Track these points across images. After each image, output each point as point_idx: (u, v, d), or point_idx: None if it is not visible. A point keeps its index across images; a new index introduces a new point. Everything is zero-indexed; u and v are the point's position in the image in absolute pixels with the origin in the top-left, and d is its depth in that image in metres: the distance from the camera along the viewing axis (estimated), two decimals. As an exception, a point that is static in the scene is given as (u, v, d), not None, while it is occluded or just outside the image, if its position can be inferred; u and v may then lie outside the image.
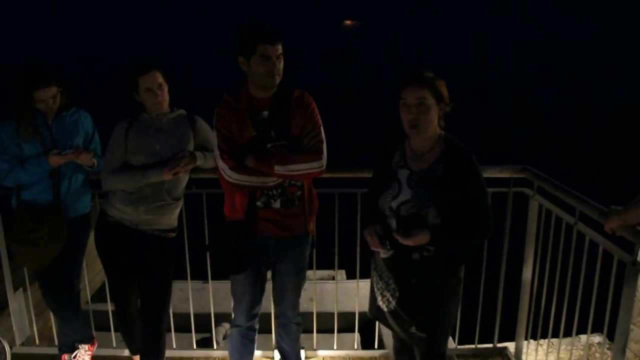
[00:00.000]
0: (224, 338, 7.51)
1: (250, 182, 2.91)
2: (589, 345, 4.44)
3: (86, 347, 3.74)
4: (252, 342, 3.35)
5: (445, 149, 2.63)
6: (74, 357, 3.70)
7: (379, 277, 2.81)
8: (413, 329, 2.72)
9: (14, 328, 4.16)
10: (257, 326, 3.32)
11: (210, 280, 3.80)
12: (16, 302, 4.13)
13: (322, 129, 3.01)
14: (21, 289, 4.29)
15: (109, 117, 3.63)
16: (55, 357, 3.79)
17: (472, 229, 2.59)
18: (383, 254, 2.71)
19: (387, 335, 4.91)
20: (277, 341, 3.54)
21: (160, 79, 3.17)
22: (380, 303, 2.83)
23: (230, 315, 3.39)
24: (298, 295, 3.30)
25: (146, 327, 3.42)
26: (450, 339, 3.93)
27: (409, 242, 2.52)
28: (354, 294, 4.20)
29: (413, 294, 2.69)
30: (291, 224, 3.06)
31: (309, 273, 3.37)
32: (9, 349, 3.82)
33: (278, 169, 2.86)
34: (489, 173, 3.47)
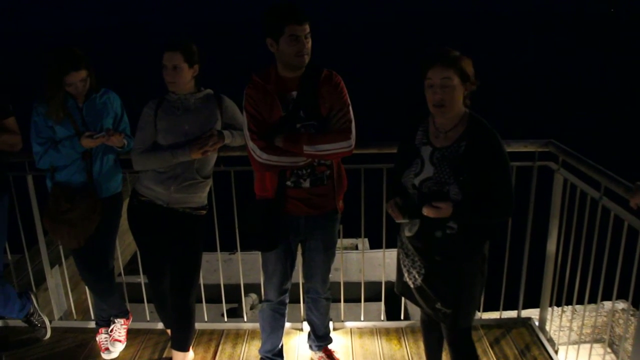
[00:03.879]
0: (251, 308, 7.70)
1: (280, 162, 2.96)
2: (613, 312, 4.49)
3: (122, 321, 3.86)
4: (283, 316, 3.45)
5: (468, 126, 2.63)
6: (111, 331, 3.82)
7: (405, 254, 2.86)
8: (438, 305, 2.78)
9: (52, 303, 4.30)
10: (287, 301, 3.41)
11: (239, 253, 3.88)
12: (53, 278, 4.26)
13: (350, 108, 3.04)
14: (57, 266, 4.42)
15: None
16: (93, 330, 3.93)
17: (493, 207, 2.60)
18: (407, 231, 2.76)
19: (411, 305, 5.01)
20: (306, 314, 3.64)
21: (180, 62, 3.15)
22: (407, 279, 2.88)
23: (256, 285, 3.45)
24: (328, 271, 3.38)
25: (175, 302, 3.49)
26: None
27: (432, 214, 2.54)
28: (377, 263, 4.26)
29: (438, 271, 2.74)
30: (321, 202, 3.11)
31: None
32: (48, 323, 3.95)
33: (307, 149, 2.90)
34: (514, 147, 3.50)
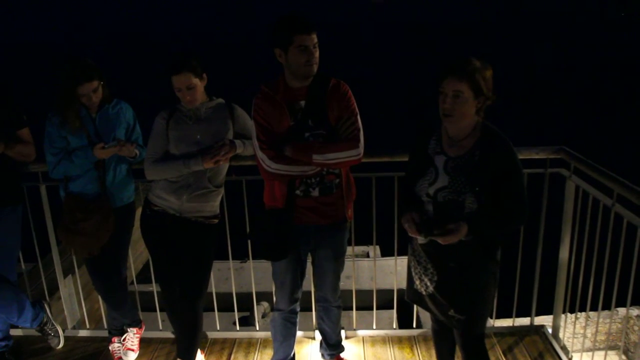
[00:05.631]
0: (263, 317, 7.70)
1: (289, 171, 2.97)
2: (628, 318, 4.44)
3: (134, 330, 3.88)
4: (294, 324, 3.45)
5: (482, 135, 2.62)
6: (124, 340, 3.84)
7: (416, 261, 2.85)
8: (452, 312, 2.77)
9: (65, 312, 4.32)
10: (298, 309, 3.42)
11: (251, 261, 3.88)
12: (66, 288, 4.28)
13: (358, 116, 3.04)
14: (70, 275, 4.44)
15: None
16: (105, 339, 3.95)
17: (508, 215, 2.58)
18: (420, 240, 2.76)
19: (423, 312, 4.99)
20: (318, 323, 3.64)
21: (191, 80, 3.14)
22: (419, 287, 2.87)
23: (268, 294, 3.44)
24: (338, 279, 3.38)
25: (182, 309, 3.49)
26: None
27: (450, 240, 2.52)
28: (389, 271, 4.25)
29: (451, 278, 2.73)
30: (330, 211, 3.12)
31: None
32: (62, 332, 3.96)
33: (316, 158, 2.91)
34: (525, 154, 3.48)
